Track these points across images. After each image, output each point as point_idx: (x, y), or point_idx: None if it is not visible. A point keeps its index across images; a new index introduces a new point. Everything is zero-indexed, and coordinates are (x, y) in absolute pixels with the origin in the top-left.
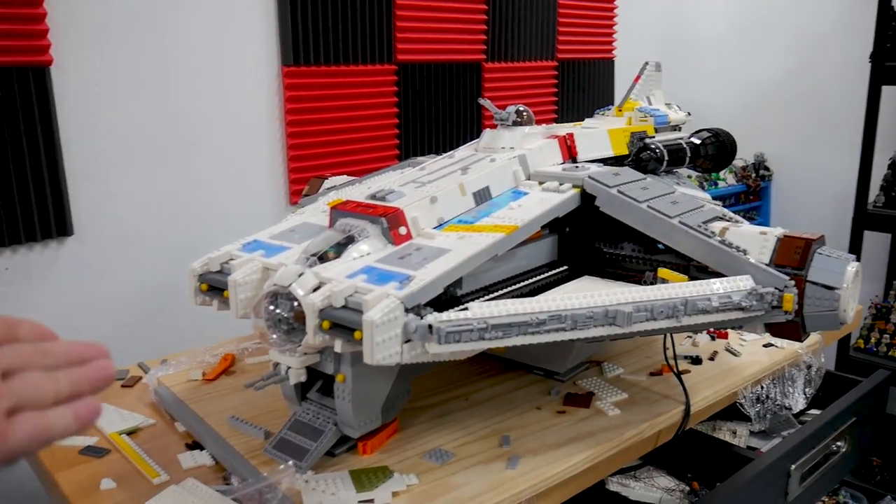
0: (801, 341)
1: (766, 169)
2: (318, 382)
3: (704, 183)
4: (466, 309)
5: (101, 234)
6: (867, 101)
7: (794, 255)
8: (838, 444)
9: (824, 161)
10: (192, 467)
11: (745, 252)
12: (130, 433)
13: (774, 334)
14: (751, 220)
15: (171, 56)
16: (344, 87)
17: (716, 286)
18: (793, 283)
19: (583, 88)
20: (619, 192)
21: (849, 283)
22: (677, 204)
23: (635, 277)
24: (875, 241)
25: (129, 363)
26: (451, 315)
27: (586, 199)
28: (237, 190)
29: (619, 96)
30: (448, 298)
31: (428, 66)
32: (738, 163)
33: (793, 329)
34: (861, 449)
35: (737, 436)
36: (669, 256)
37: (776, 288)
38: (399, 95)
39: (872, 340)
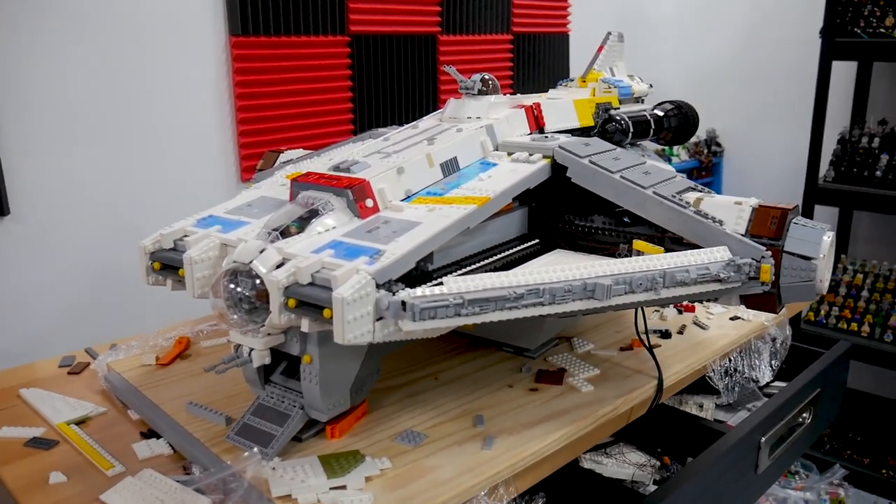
0: (777, 313)
1: (718, 145)
2: (282, 364)
3: None
4: (440, 284)
5: (39, 213)
6: (818, 77)
7: (770, 226)
8: (804, 415)
9: (775, 136)
10: (149, 457)
11: (721, 223)
12: (80, 423)
13: (750, 306)
14: None
15: (112, 24)
16: (296, 58)
17: (693, 257)
18: (769, 253)
19: (538, 62)
20: (590, 162)
21: (825, 252)
22: (650, 175)
23: (608, 250)
24: (825, 216)
25: (76, 349)
26: (426, 291)
27: (557, 169)
28: (185, 166)
29: (574, 70)
30: (419, 274)
31: (382, 38)
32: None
33: (768, 300)
34: (823, 420)
35: (703, 409)
36: (641, 228)
37: (753, 258)
38: (353, 68)
39: (822, 313)
